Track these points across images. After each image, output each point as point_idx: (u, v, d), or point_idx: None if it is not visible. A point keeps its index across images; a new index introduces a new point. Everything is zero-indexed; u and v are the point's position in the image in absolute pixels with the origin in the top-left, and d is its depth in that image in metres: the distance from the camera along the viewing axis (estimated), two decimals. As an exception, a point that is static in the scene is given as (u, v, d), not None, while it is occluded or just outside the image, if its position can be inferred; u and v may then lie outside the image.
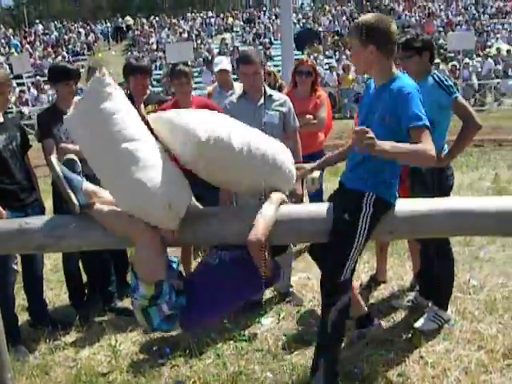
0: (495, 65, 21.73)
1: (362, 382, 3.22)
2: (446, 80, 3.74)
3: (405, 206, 2.85)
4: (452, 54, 23.72)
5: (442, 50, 25.93)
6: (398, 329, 3.90)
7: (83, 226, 2.80)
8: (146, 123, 4.69)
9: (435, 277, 3.96)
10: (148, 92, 5.13)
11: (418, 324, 3.89)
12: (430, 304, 4.02)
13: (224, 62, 6.14)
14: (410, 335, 3.76)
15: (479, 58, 23.13)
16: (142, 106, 4.90)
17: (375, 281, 4.71)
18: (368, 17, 2.90)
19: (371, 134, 2.55)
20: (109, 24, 34.41)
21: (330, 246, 2.91)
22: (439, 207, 2.81)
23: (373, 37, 2.81)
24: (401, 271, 4.93)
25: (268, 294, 4.54)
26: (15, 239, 2.84)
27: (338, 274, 2.98)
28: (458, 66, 20.20)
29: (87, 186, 2.79)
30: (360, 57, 2.90)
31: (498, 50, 23.63)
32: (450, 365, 3.36)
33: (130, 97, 4.94)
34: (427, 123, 2.74)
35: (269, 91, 4.28)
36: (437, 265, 3.90)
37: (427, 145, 2.70)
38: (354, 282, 3.67)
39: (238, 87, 5.62)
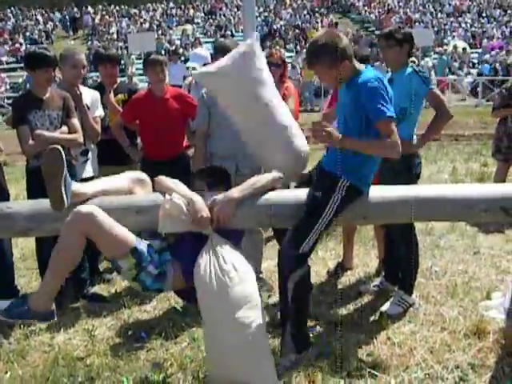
0: (452, 61, 22.29)
1: (333, 361, 3.35)
2: (424, 72, 3.98)
3: (378, 192, 3.00)
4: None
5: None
6: (365, 312, 4.06)
7: (65, 210, 2.85)
8: (118, 111, 4.77)
9: (400, 262, 4.13)
10: (118, 81, 5.18)
11: (385, 308, 4.05)
12: (395, 289, 4.20)
13: (194, 62, 6.10)
14: (377, 318, 3.92)
15: (436, 55, 23.72)
16: (112, 94, 4.93)
17: (342, 267, 4.87)
18: (324, 39, 3.06)
19: (328, 129, 2.87)
20: (68, 11, 33.65)
21: (296, 222, 3.09)
22: (411, 194, 2.98)
23: (342, 53, 3.04)
24: (366, 258, 5.12)
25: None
26: (-2, 223, 2.88)
27: (297, 245, 3.11)
28: (416, 63, 20.63)
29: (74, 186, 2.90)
30: (333, 75, 3.10)
31: (455, 47, 24.25)
32: (415, 344, 3.54)
33: (101, 86, 4.99)
34: (391, 114, 2.95)
35: None
36: (401, 250, 4.07)
37: (391, 137, 2.93)
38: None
39: None
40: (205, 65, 5.53)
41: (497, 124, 6.35)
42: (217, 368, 2.92)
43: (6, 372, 3.38)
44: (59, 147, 2.82)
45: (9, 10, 33.06)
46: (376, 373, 3.23)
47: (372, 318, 3.95)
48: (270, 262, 5.02)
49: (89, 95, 4.58)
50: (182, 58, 20.69)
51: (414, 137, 4.00)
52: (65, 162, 2.81)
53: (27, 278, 4.92)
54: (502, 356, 3.34)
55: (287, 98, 5.37)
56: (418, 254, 4.12)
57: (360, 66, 3.15)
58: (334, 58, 3.01)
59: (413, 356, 3.41)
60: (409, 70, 3.92)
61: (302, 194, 3.10)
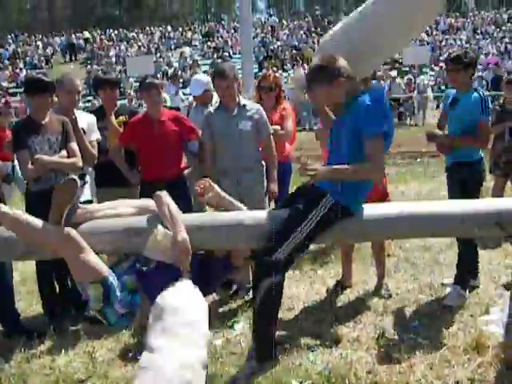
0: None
1: (333, 379, 3.36)
2: (487, 99, 4.28)
3: (373, 209, 3.04)
4: (407, 68, 24.38)
5: (397, 64, 26.66)
6: (364, 330, 4.07)
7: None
8: (118, 133, 4.80)
9: (460, 260, 4.50)
10: (118, 104, 5.24)
11: (444, 301, 4.39)
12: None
13: (194, 86, 6.07)
14: (376, 335, 3.93)
15: (432, 72, 23.92)
16: (113, 117, 4.98)
17: (341, 286, 4.89)
18: (319, 61, 3.21)
19: (311, 167, 2.97)
20: (65, 38, 33.98)
21: (280, 224, 3.13)
22: (406, 210, 3.02)
23: (338, 71, 3.11)
24: (365, 276, 5.13)
25: (239, 301, 4.68)
26: (-2, 247, 2.92)
27: (270, 251, 3.08)
28: (413, 80, 20.83)
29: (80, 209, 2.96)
30: (330, 93, 3.17)
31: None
32: (415, 361, 3.54)
33: (101, 109, 5.05)
34: (378, 131, 3.01)
35: (242, 101, 4.62)
36: (460, 249, 4.50)
37: (376, 159, 3.00)
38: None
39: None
40: (206, 92, 5.52)
41: (493, 140, 6.40)
42: None
43: (7, 396, 3.39)
44: (77, 178, 2.88)
45: (9, 36, 33.43)
46: (376, 390, 3.23)
47: (372, 335, 3.95)
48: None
49: (85, 119, 4.64)
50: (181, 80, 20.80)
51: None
52: (77, 194, 2.88)
53: (27, 302, 4.93)
54: (501, 371, 3.34)
55: (285, 119, 5.45)
56: (476, 251, 4.60)
57: (361, 87, 3.24)
58: (328, 75, 3.10)
59: (413, 372, 3.41)
60: (475, 95, 4.28)
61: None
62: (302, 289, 4.92)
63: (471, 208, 3.08)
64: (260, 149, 4.69)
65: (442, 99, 4.83)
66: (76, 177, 2.91)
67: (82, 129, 4.49)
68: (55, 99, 4.42)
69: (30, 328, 4.28)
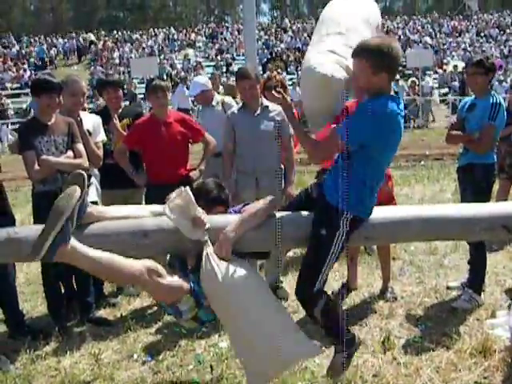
0: (451, 81, 22.47)
1: (339, 382, 3.35)
2: (500, 106, 4.34)
3: (380, 213, 3.03)
4: (410, 71, 24.38)
5: (400, 67, 26.67)
6: (370, 332, 4.07)
7: (73, 234, 2.89)
8: (123, 136, 4.82)
9: (471, 264, 4.59)
10: (122, 106, 5.25)
11: (455, 304, 4.43)
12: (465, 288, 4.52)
13: (193, 88, 6.17)
14: (382, 338, 3.92)
15: (436, 75, 23.92)
16: (117, 120, 4.99)
17: (346, 288, 4.88)
18: (378, 41, 2.89)
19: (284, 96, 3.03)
20: (69, 39, 33.98)
21: (305, 259, 3.09)
22: (412, 214, 3.02)
23: (389, 64, 2.87)
24: (370, 279, 5.12)
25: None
26: (5, 248, 2.91)
27: (310, 285, 3.03)
28: (417, 83, 20.84)
29: (90, 208, 2.95)
30: (368, 79, 2.88)
31: (455, 67, 24.44)
32: (421, 364, 3.54)
33: (106, 110, 5.06)
34: (339, 133, 2.89)
35: (265, 102, 4.67)
36: (473, 254, 4.56)
37: (324, 142, 3.02)
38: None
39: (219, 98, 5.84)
40: (203, 92, 5.62)
41: (498, 143, 6.38)
42: (250, 364, 2.96)
43: (13, 397, 3.40)
44: (83, 173, 2.88)
45: (13, 37, 33.51)
46: (382, 393, 3.23)
47: (377, 338, 3.94)
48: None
49: (90, 121, 4.64)
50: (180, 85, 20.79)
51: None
52: (85, 189, 2.88)
53: (32, 303, 4.94)
54: (508, 374, 3.34)
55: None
56: (486, 257, 4.53)
57: (390, 92, 2.99)
58: (379, 62, 2.83)
59: (419, 376, 3.41)
60: (491, 100, 4.35)
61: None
62: (307, 291, 4.91)
63: (478, 211, 3.07)
64: (279, 151, 4.70)
65: (457, 107, 4.90)
66: (83, 172, 2.91)
67: (88, 130, 4.49)
68: (62, 100, 4.41)
69: (35, 329, 4.29)
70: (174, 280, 2.89)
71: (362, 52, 2.87)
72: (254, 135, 4.50)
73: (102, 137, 4.70)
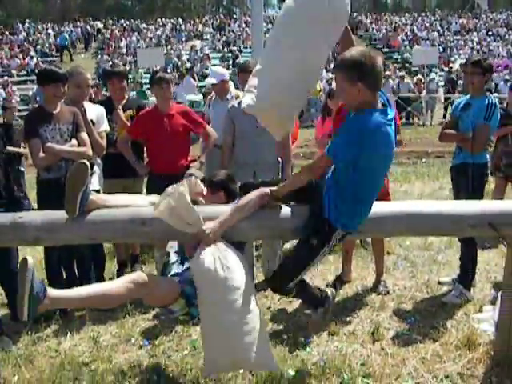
0: (457, 79, 22.45)
1: (328, 370, 3.48)
2: (495, 107, 4.44)
3: (372, 208, 3.15)
4: (416, 68, 24.39)
5: (407, 64, 26.68)
6: (361, 324, 4.19)
7: (75, 221, 3.02)
8: (127, 126, 4.94)
9: (462, 261, 4.69)
10: (126, 97, 5.37)
11: (445, 298, 4.57)
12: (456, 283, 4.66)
13: (211, 76, 6.26)
14: (372, 329, 4.05)
15: (442, 73, 23.91)
16: (121, 111, 5.10)
17: (340, 280, 5.01)
18: (353, 53, 2.92)
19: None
20: (75, 27, 33.94)
21: (288, 258, 3.31)
22: (403, 209, 3.15)
23: (364, 74, 2.85)
24: (364, 272, 5.25)
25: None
26: (10, 233, 3.05)
27: (285, 283, 3.24)
28: (422, 80, 20.85)
29: (92, 196, 3.12)
30: (347, 91, 2.93)
31: (461, 65, 24.40)
32: (408, 355, 3.67)
33: (110, 101, 5.18)
34: (330, 155, 2.97)
35: None
36: (463, 251, 4.68)
37: (314, 165, 3.14)
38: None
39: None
40: (222, 81, 5.78)
41: (495, 143, 6.48)
42: (215, 350, 3.06)
43: (14, 375, 3.53)
44: (87, 163, 3.02)
45: (20, 24, 33.54)
46: (368, 381, 3.36)
47: (367, 330, 4.07)
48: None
49: (94, 111, 4.76)
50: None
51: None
52: (89, 177, 3.02)
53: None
54: (490, 367, 3.45)
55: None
56: (476, 254, 4.69)
57: (375, 105, 2.96)
58: (354, 73, 2.86)
59: (405, 366, 3.54)
60: (487, 101, 4.45)
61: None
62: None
63: (464, 208, 3.19)
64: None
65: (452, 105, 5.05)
66: (86, 161, 3.04)
67: (91, 120, 4.61)
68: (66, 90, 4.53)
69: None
70: (166, 286, 3.11)
71: (338, 66, 2.99)
72: (253, 129, 4.61)
73: (105, 127, 4.82)
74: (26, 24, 33.87)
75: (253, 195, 3.14)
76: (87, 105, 4.70)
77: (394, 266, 5.41)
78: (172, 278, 3.22)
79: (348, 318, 4.26)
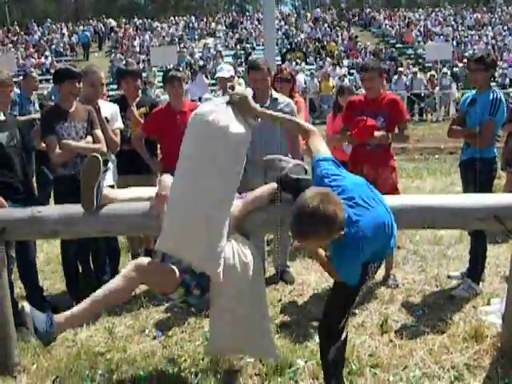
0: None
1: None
2: (500, 102, 4.47)
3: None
4: (430, 64, 24.31)
5: (420, 60, 26.59)
6: (370, 316, 4.27)
7: (91, 214, 3.13)
8: (140, 124, 5.04)
9: (471, 254, 4.75)
10: (140, 95, 5.48)
11: (453, 292, 4.64)
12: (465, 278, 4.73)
13: (223, 70, 6.44)
14: (380, 322, 4.12)
15: (456, 68, 23.80)
16: (135, 108, 5.22)
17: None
18: (324, 209, 2.50)
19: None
20: (88, 26, 34.09)
21: (330, 301, 3.11)
22: (413, 203, 3.23)
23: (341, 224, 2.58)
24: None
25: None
26: (29, 226, 3.17)
27: (335, 326, 3.03)
28: (436, 76, 20.80)
29: (105, 191, 3.24)
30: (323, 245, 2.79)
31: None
32: (416, 346, 3.74)
33: (124, 99, 5.30)
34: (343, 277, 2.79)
35: (274, 94, 4.83)
36: (474, 245, 4.72)
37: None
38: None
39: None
40: (232, 77, 5.92)
41: (505, 138, 6.51)
42: (219, 336, 3.24)
43: (33, 364, 3.66)
44: (99, 156, 3.13)
45: (35, 24, 33.85)
46: (376, 371, 3.43)
47: (376, 322, 4.14)
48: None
49: (109, 109, 4.88)
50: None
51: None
52: (101, 170, 3.12)
53: (52, 281, 5.21)
54: (496, 358, 3.52)
55: (298, 112, 5.66)
56: (486, 249, 4.71)
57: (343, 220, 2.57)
58: (331, 229, 2.52)
59: (412, 357, 3.61)
60: (492, 96, 4.48)
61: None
62: (312, 276, 5.12)
63: (471, 201, 3.25)
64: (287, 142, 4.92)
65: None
66: (98, 154, 3.16)
67: (106, 117, 4.74)
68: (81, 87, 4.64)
69: (54, 304, 4.54)
70: (167, 275, 3.11)
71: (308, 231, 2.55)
72: (263, 126, 4.68)
73: (119, 124, 4.94)
74: (41, 24, 34.16)
75: (264, 189, 3.23)
76: (101, 102, 4.82)
77: (403, 260, 5.47)
78: (172, 267, 3.19)
79: (357, 311, 4.33)
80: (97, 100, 4.75)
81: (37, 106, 8.13)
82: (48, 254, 5.98)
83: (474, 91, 4.74)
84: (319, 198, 2.47)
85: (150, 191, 3.40)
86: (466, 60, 24.93)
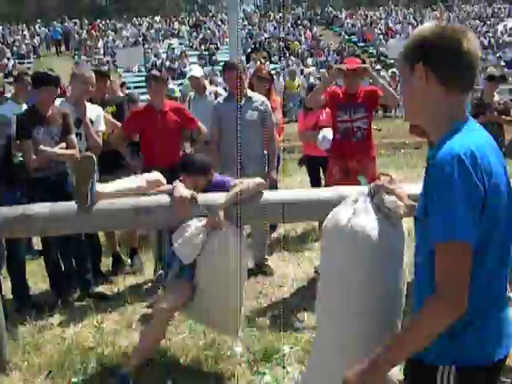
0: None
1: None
2: None
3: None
4: (392, 61, 24.78)
5: (382, 57, 27.08)
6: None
7: (82, 212, 3.23)
8: (113, 124, 5.10)
9: None
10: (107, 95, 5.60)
11: None
12: None
13: (195, 69, 6.60)
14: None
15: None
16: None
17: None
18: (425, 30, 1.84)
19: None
20: (50, 27, 33.54)
21: None
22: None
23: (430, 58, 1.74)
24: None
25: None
26: (19, 223, 3.25)
27: None
28: (397, 73, 21.21)
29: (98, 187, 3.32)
30: (412, 92, 1.79)
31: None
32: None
33: (90, 100, 5.35)
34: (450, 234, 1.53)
35: (249, 93, 5.05)
36: None
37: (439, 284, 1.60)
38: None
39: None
40: (201, 76, 6.10)
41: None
42: (197, 310, 3.56)
43: (24, 362, 3.72)
44: (93, 155, 3.24)
45: (-2, 26, 33.19)
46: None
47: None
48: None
49: (93, 111, 4.97)
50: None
51: None
52: (95, 168, 3.23)
53: (34, 279, 5.21)
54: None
55: (274, 111, 5.83)
56: None
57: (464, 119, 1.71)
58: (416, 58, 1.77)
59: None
60: None
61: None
62: (290, 268, 5.28)
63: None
64: (263, 139, 5.08)
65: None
66: (92, 154, 3.27)
67: (90, 119, 4.83)
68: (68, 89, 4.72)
69: (39, 303, 4.61)
70: (178, 294, 3.43)
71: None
72: (239, 124, 4.84)
73: (102, 127, 5.02)
74: (1, 26, 33.52)
75: (250, 182, 3.40)
76: (87, 105, 4.91)
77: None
78: (182, 281, 3.45)
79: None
80: (86, 98, 4.86)
81: None
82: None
83: None
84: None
85: (138, 181, 3.51)
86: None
